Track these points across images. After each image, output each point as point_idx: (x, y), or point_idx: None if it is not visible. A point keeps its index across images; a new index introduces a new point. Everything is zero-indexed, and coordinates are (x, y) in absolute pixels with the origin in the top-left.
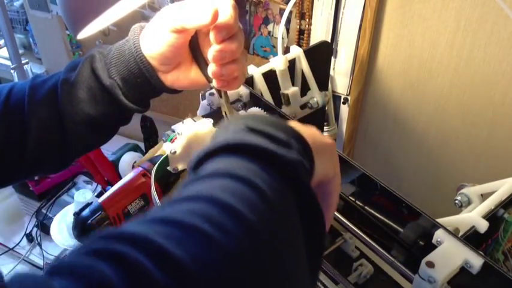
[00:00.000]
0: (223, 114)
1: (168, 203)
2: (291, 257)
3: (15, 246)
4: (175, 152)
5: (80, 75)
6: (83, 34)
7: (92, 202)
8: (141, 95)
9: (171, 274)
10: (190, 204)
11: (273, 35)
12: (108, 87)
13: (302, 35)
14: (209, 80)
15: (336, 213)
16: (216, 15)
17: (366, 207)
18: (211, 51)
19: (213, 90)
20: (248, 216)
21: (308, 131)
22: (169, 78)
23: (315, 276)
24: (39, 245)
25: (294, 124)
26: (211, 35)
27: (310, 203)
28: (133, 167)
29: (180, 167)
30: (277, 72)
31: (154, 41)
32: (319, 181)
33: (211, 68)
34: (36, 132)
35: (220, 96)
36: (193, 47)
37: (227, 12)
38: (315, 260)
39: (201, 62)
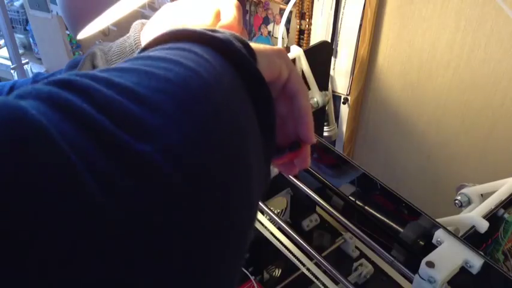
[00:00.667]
0: None
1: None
2: (247, 121)
3: None
4: None
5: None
6: (83, 34)
7: None
8: None
9: (118, 92)
10: (125, 63)
11: (273, 35)
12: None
13: (302, 35)
14: None
15: (336, 213)
16: (217, 17)
17: (366, 207)
18: None
19: None
20: (188, 63)
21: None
22: None
23: (268, 162)
24: None
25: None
26: None
27: (252, 73)
28: None
29: None
30: None
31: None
32: (270, 78)
33: None
34: None
35: None
36: None
37: (230, 14)
38: (268, 140)
39: None
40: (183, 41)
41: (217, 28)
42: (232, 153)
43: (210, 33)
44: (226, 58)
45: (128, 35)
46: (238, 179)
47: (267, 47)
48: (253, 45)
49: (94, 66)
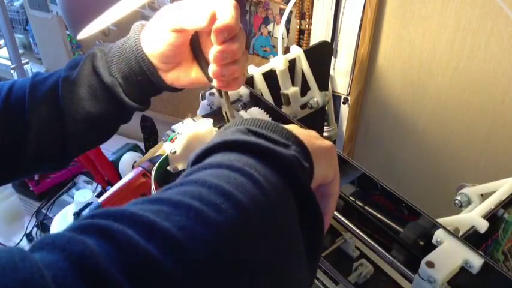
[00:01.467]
0: (224, 114)
1: (160, 191)
2: (285, 246)
3: (15, 246)
4: (175, 152)
5: (80, 73)
6: (83, 34)
7: (92, 202)
8: (142, 93)
9: (158, 243)
10: (180, 188)
11: (273, 35)
12: (109, 85)
13: (302, 35)
14: (210, 80)
15: (336, 213)
16: (213, 19)
17: (366, 207)
18: (212, 51)
19: (213, 90)
20: (239, 197)
21: (307, 135)
22: (170, 77)
23: (313, 273)
24: None
25: (294, 128)
26: (213, 36)
27: (308, 199)
28: (133, 167)
29: (180, 167)
30: (277, 72)
31: (154, 40)
32: (319, 183)
33: (212, 68)
34: (37, 129)
35: (221, 96)
36: (194, 46)
37: (228, 13)
38: (314, 256)
39: (202, 61)
40: (247, 154)
41: (216, 27)
42: None
43: (276, 149)
44: (287, 179)
45: (128, 36)
46: None
47: (322, 144)
48: (310, 147)
49: (94, 67)
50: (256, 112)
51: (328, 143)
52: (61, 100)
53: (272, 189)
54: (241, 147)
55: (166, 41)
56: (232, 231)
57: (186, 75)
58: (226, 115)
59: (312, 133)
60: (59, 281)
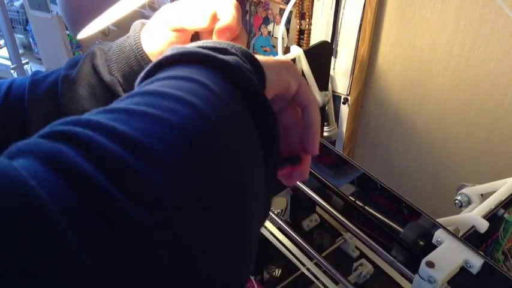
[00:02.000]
0: None
1: (112, 104)
2: (244, 147)
3: None
4: None
5: (80, 71)
6: (83, 34)
7: None
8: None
9: (119, 143)
10: (132, 99)
11: (273, 35)
12: (109, 84)
13: (302, 35)
14: None
15: (336, 213)
16: (214, 19)
17: (366, 207)
18: None
19: None
20: (191, 99)
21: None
22: None
23: (273, 181)
24: None
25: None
26: (214, 37)
27: (257, 97)
28: None
29: None
30: None
31: (155, 39)
32: (278, 91)
33: None
34: (36, 128)
35: None
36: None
37: (229, 14)
38: (271, 163)
39: None
40: (190, 65)
41: (218, 27)
42: (230, 204)
43: (219, 56)
44: (234, 83)
45: (127, 35)
46: (237, 234)
47: (275, 60)
48: (260, 59)
49: (94, 65)
50: None
51: (284, 59)
52: (60, 99)
53: (221, 91)
54: (181, 60)
55: (167, 41)
56: (190, 129)
57: None
58: None
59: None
60: (33, 175)
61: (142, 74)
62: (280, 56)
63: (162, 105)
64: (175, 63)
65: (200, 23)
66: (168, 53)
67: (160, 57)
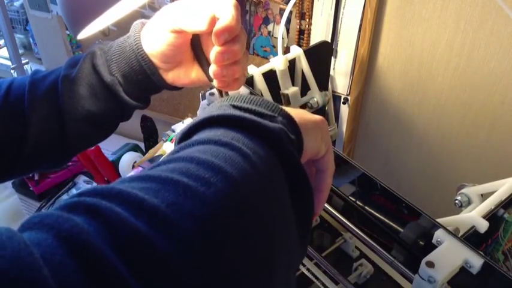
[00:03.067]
0: None
1: (146, 169)
2: (276, 218)
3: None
4: None
5: (80, 71)
6: (83, 34)
7: None
8: (142, 91)
9: (147, 220)
10: (168, 165)
11: (273, 35)
12: (109, 84)
13: (302, 35)
14: (210, 80)
15: (336, 213)
16: (213, 21)
17: (366, 207)
18: (213, 52)
19: (214, 90)
20: (228, 170)
21: (296, 111)
22: (171, 76)
23: (305, 246)
24: None
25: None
26: (213, 38)
27: (297, 170)
28: (133, 167)
29: None
30: (277, 72)
31: (154, 40)
32: (310, 157)
33: (213, 69)
34: (36, 127)
35: (221, 95)
36: (195, 46)
37: (229, 14)
38: (304, 228)
39: (202, 61)
40: (234, 130)
41: (216, 29)
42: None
43: (265, 125)
44: (276, 154)
45: (128, 34)
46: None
47: (313, 122)
48: (299, 121)
49: (94, 65)
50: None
51: (318, 117)
52: (61, 98)
53: (261, 162)
54: (227, 122)
55: (167, 42)
56: (222, 204)
57: (187, 74)
58: None
59: (302, 110)
60: (48, 258)
61: (184, 129)
62: (315, 117)
63: (198, 174)
64: (219, 125)
65: (199, 26)
66: (214, 112)
67: (206, 115)
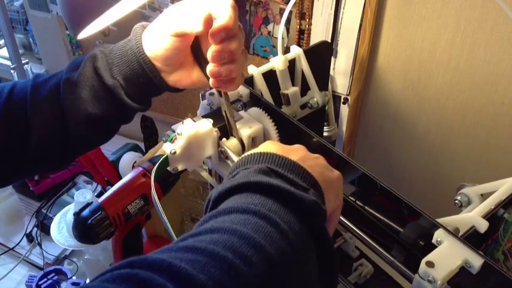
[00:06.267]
0: (223, 113)
1: (189, 235)
2: None
3: (15, 246)
4: (175, 152)
5: (82, 74)
6: (83, 34)
7: (92, 202)
8: (144, 94)
9: None
10: (212, 236)
11: (273, 35)
12: (111, 87)
13: (302, 35)
14: (208, 80)
15: None
16: (209, 22)
17: (366, 207)
18: (210, 51)
19: (213, 90)
20: (268, 249)
21: (318, 167)
22: (172, 79)
23: None
24: (39, 245)
25: (303, 153)
26: (210, 37)
27: (326, 244)
28: (133, 167)
29: (180, 167)
30: (277, 72)
31: (156, 43)
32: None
33: (209, 68)
34: (39, 131)
35: (220, 95)
36: (195, 47)
37: (226, 14)
38: None
39: (202, 62)
40: (270, 199)
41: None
42: None
43: (298, 194)
44: (309, 227)
45: (128, 38)
46: None
47: (331, 177)
48: (321, 183)
49: (95, 68)
50: (256, 112)
51: (336, 174)
52: (63, 102)
53: (297, 239)
54: (264, 190)
55: (168, 45)
56: (262, 286)
57: (188, 76)
58: (226, 115)
59: (321, 161)
60: None
61: (222, 190)
62: (334, 175)
63: (241, 251)
64: (256, 190)
65: (195, 27)
66: (251, 178)
67: (242, 180)
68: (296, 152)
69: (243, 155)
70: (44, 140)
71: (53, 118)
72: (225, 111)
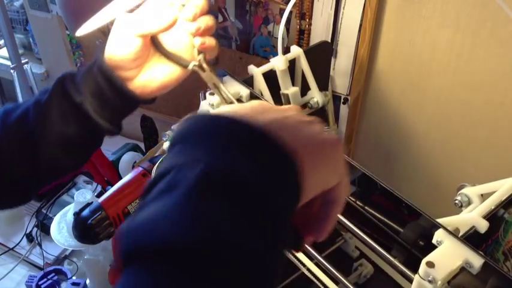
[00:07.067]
0: (212, 86)
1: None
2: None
3: (15, 246)
4: None
5: (51, 95)
6: (81, 31)
7: (92, 202)
8: (113, 110)
9: None
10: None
11: (273, 35)
12: (78, 104)
13: (302, 35)
14: (185, 66)
15: None
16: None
17: (366, 207)
18: (192, 26)
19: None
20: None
21: (304, 131)
22: (138, 85)
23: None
24: (39, 245)
25: (292, 119)
26: (189, 13)
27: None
28: (133, 167)
29: None
30: (277, 72)
31: (122, 47)
32: (315, 194)
33: (198, 41)
34: (7, 154)
35: (204, 70)
36: (156, 44)
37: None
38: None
39: (169, 55)
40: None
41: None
42: None
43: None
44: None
45: (92, 61)
46: None
47: (321, 141)
48: (303, 146)
49: (64, 88)
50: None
51: (329, 136)
52: (31, 124)
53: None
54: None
55: (134, 47)
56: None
57: (153, 78)
58: (216, 87)
59: (315, 128)
60: None
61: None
62: (326, 144)
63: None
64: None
65: (161, 26)
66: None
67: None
68: (273, 113)
69: (196, 117)
70: (13, 164)
71: (21, 140)
72: (214, 84)
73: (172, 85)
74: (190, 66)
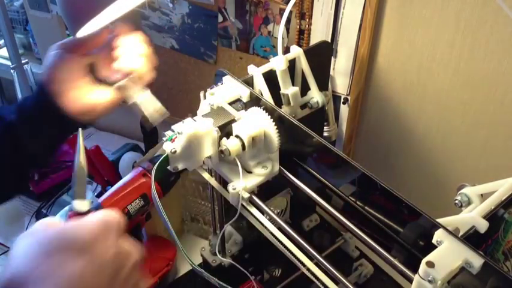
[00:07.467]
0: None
1: None
2: None
3: None
4: (175, 151)
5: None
6: (82, 32)
7: (92, 202)
8: (43, 132)
9: None
10: None
11: (273, 35)
12: (7, 124)
13: (302, 35)
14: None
15: (336, 213)
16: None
17: (366, 207)
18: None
19: (212, 90)
20: None
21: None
22: (68, 99)
23: None
24: None
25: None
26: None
27: None
28: (133, 167)
29: (180, 166)
30: (277, 72)
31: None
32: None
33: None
34: None
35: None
36: (94, 71)
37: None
38: None
39: (105, 79)
40: None
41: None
42: None
43: None
44: None
45: None
46: None
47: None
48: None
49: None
50: (256, 112)
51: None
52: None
53: None
54: None
55: (63, 67)
56: None
57: (84, 96)
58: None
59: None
60: None
61: None
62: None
63: None
64: None
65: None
66: None
67: None
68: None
69: None
70: None
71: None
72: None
73: (111, 105)
74: (121, 83)
